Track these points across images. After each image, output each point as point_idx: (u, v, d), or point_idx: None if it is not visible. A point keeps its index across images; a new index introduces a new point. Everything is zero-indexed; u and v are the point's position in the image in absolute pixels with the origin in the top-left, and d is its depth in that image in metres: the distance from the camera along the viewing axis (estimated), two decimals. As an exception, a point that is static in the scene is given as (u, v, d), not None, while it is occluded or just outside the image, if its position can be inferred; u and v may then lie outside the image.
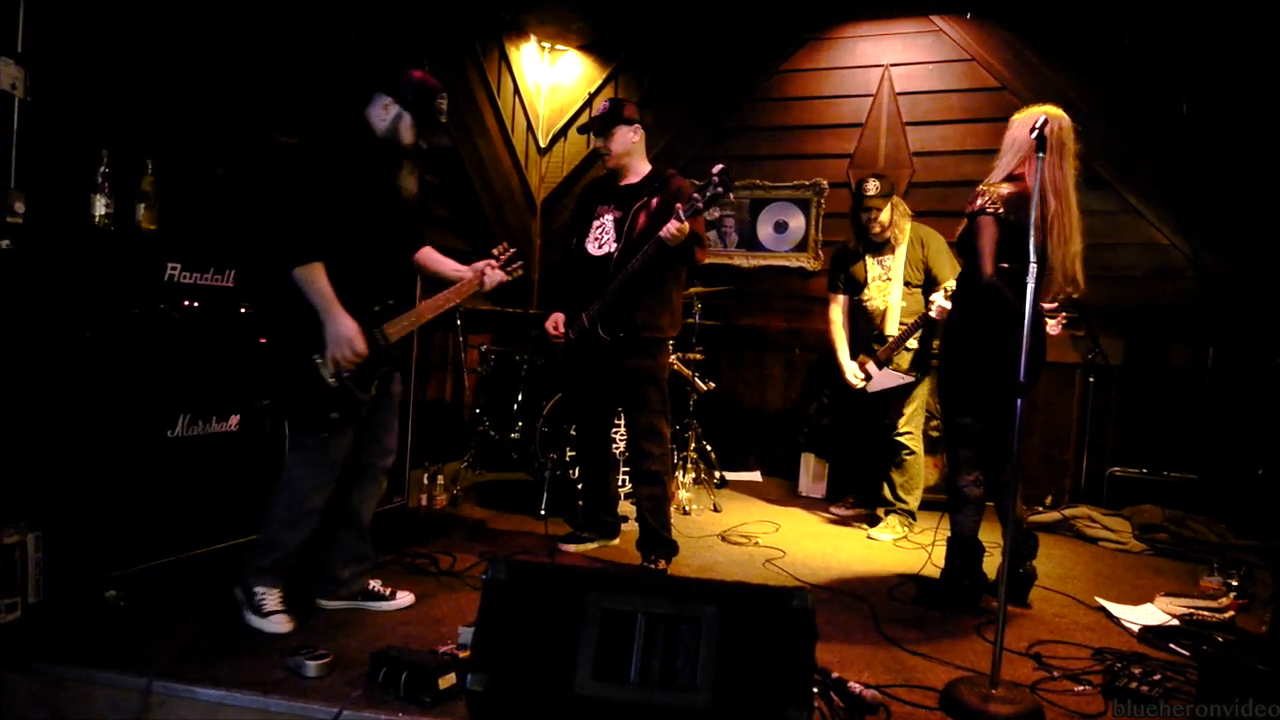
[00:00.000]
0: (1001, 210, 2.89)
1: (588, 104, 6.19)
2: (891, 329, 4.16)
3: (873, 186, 4.17)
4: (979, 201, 2.94)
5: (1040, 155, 2.40)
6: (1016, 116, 3.06)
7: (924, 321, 4.03)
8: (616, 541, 3.73)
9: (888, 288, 4.20)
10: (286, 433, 2.72)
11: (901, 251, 4.18)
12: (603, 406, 3.62)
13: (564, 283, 3.56)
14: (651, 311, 3.34)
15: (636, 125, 3.37)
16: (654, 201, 3.30)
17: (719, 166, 3.06)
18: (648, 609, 1.70)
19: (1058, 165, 2.89)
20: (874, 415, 4.34)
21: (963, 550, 3.13)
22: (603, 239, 3.39)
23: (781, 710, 1.59)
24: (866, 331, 4.30)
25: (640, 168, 3.43)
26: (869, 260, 4.27)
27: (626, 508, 3.94)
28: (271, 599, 2.58)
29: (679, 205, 3.10)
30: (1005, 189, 2.93)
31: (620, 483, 4.13)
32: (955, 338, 3.15)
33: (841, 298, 4.42)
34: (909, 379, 4.17)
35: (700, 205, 3.06)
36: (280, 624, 2.55)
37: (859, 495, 4.61)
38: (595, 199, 3.49)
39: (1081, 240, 2.93)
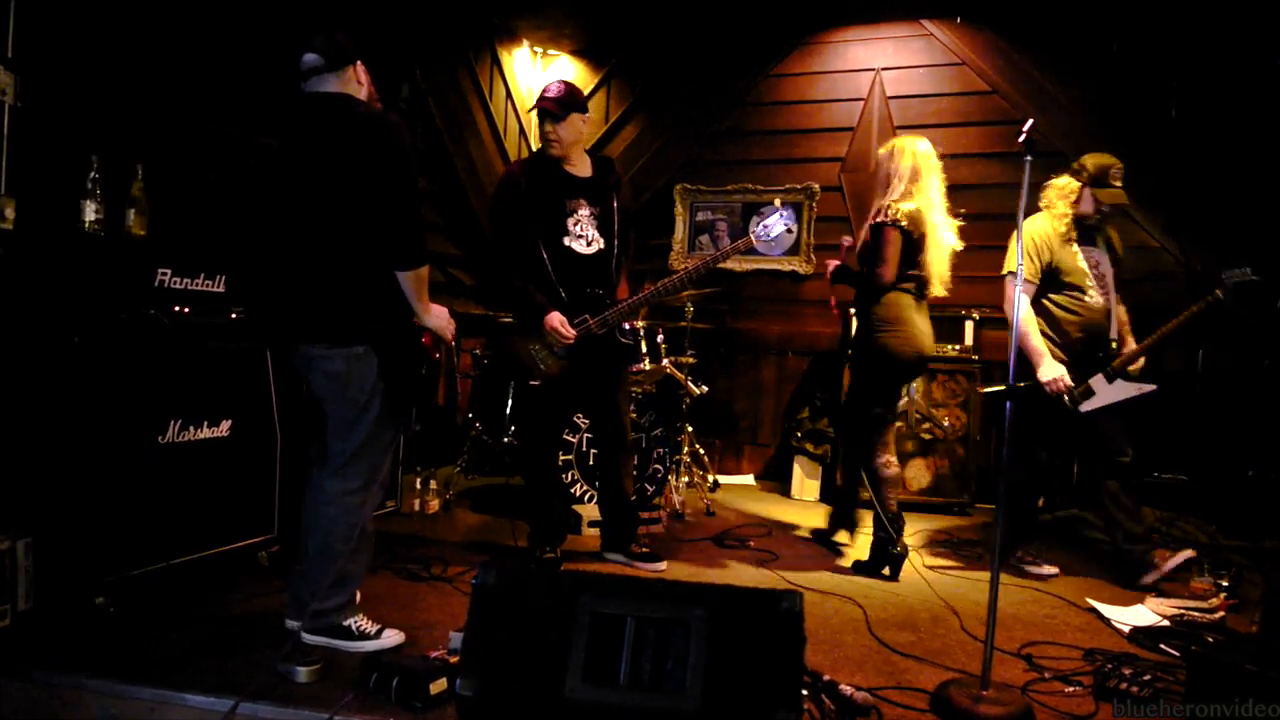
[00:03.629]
0: (905, 224, 3.35)
1: (580, 108, 6.20)
2: (1112, 333, 3.51)
3: (1119, 175, 3.49)
4: (887, 215, 3.36)
5: (1028, 159, 2.41)
6: (897, 148, 3.51)
7: (1198, 317, 3.30)
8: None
9: (1105, 284, 3.52)
10: (343, 452, 2.51)
11: (1103, 243, 3.59)
12: (569, 410, 3.71)
13: (541, 281, 3.26)
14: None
15: (587, 116, 3.32)
16: (624, 196, 3.38)
17: (779, 201, 3.28)
18: (637, 612, 1.71)
19: (935, 185, 3.47)
20: (1068, 436, 3.59)
21: (894, 522, 3.49)
22: (588, 235, 3.29)
23: (771, 712, 1.59)
24: (1085, 341, 3.49)
25: (584, 157, 3.38)
26: (1080, 248, 3.52)
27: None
28: (366, 621, 2.54)
29: (752, 233, 3.36)
30: (908, 206, 3.38)
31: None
32: (866, 338, 3.52)
33: (1033, 287, 3.54)
34: (1149, 386, 3.45)
35: (770, 235, 3.36)
36: (397, 635, 2.54)
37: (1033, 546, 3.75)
38: (555, 191, 3.27)
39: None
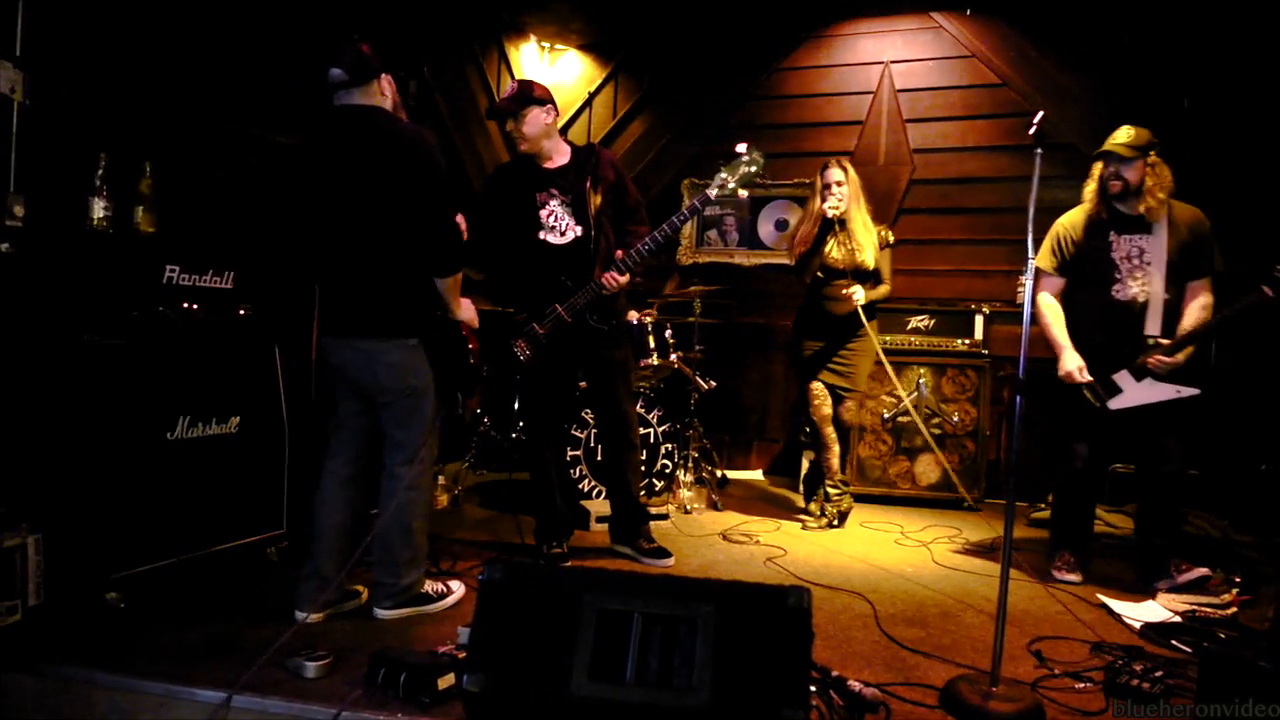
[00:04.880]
0: None
1: (587, 104, 6.19)
2: (1153, 328, 3.25)
3: (1124, 134, 3.29)
4: (889, 238, 4.16)
5: (1038, 152, 2.40)
6: (848, 169, 4.07)
7: (1241, 314, 3.07)
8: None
9: (1146, 275, 3.28)
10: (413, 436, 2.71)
11: (1165, 230, 3.27)
12: (568, 403, 3.76)
13: (515, 279, 3.39)
14: (623, 303, 3.48)
15: (549, 106, 3.25)
16: (601, 178, 3.31)
17: (744, 145, 3.25)
18: (644, 609, 1.70)
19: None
20: (1107, 434, 3.40)
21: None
22: (561, 226, 3.29)
23: (778, 709, 1.58)
24: (1112, 335, 3.32)
25: (560, 148, 3.35)
26: (1117, 238, 3.35)
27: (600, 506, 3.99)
28: (433, 583, 2.84)
29: (697, 198, 3.24)
30: None
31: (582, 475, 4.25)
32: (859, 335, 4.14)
33: (1059, 281, 3.48)
34: (1189, 390, 3.22)
35: (731, 185, 3.25)
36: (460, 585, 2.91)
37: (1077, 551, 3.54)
38: (526, 187, 3.30)
39: None
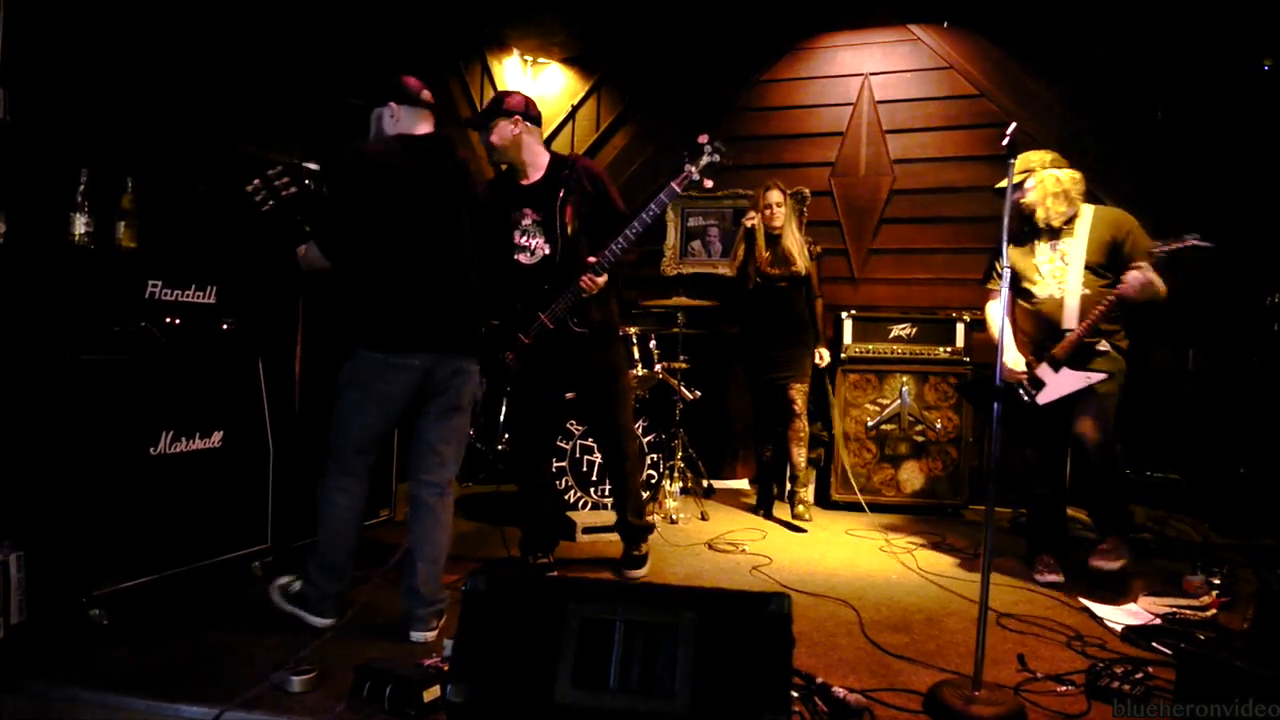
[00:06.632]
0: None
1: (570, 117, 6.23)
2: (1071, 323, 3.40)
3: (1019, 163, 3.39)
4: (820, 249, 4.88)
5: (1012, 162, 2.45)
6: (786, 192, 4.63)
7: (1118, 305, 3.29)
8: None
9: (1065, 275, 3.46)
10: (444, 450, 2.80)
11: (1083, 232, 3.45)
12: (554, 414, 3.70)
13: (498, 297, 3.33)
14: (608, 308, 3.38)
15: (517, 117, 3.18)
16: (575, 190, 3.23)
17: (705, 136, 3.24)
18: (626, 616, 1.71)
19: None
20: (1050, 433, 3.51)
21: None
22: (532, 245, 3.26)
23: (759, 714, 1.60)
24: (1039, 334, 3.53)
25: (536, 161, 3.28)
26: (1040, 245, 3.54)
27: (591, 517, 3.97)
28: None
29: (664, 193, 3.14)
30: None
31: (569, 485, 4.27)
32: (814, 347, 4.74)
33: (1004, 291, 3.93)
34: (1098, 376, 3.35)
35: (696, 176, 3.22)
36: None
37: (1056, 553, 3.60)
38: (503, 206, 3.28)
39: None
